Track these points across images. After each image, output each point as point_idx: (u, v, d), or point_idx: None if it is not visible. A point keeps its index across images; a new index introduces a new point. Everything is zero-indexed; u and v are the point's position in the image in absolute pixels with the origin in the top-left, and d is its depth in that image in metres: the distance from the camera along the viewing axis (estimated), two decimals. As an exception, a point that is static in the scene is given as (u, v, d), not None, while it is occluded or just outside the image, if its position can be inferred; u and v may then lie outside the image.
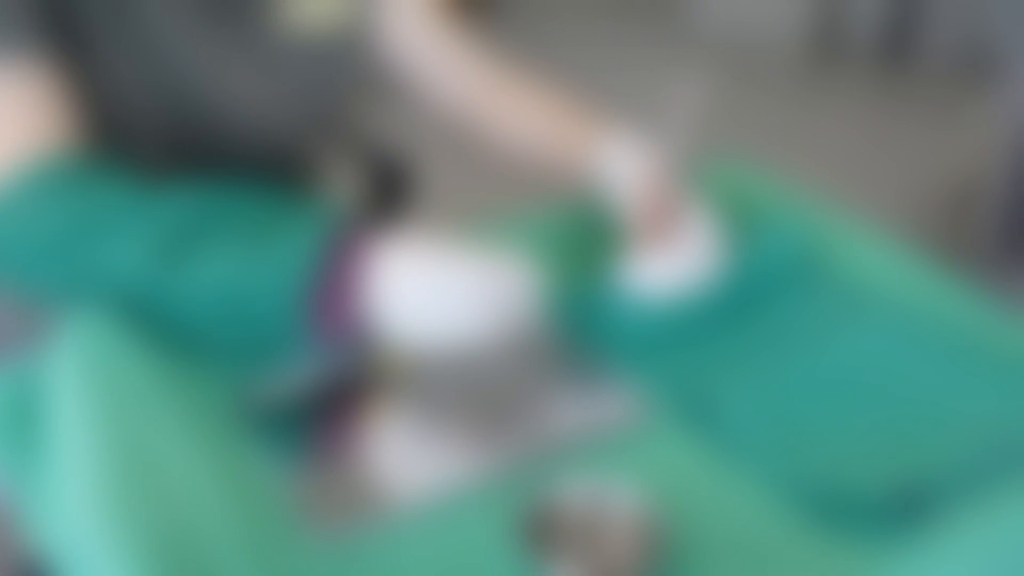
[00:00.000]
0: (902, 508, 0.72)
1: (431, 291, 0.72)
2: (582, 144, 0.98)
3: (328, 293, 0.72)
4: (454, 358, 0.77)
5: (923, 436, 0.78)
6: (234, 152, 0.90)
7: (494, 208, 1.17)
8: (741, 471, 0.76)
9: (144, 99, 0.85)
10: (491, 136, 1.04)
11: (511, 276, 0.74)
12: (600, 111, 1.02)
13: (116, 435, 0.70)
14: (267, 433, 0.75)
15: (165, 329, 0.75)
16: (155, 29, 0.83)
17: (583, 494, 0.69)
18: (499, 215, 1.03)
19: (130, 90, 0.84)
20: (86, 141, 0.81)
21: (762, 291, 0.93)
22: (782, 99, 2.97)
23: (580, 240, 1.00)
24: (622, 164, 0.94)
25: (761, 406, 0.81)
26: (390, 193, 1.26)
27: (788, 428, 0.79)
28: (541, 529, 0.67)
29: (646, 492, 0.71)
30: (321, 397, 0.79)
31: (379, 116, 1.13)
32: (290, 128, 0.95)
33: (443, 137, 1.09)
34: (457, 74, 1.03)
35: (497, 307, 0.73)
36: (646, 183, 0.92)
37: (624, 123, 0.99)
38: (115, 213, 0.74)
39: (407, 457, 0.76)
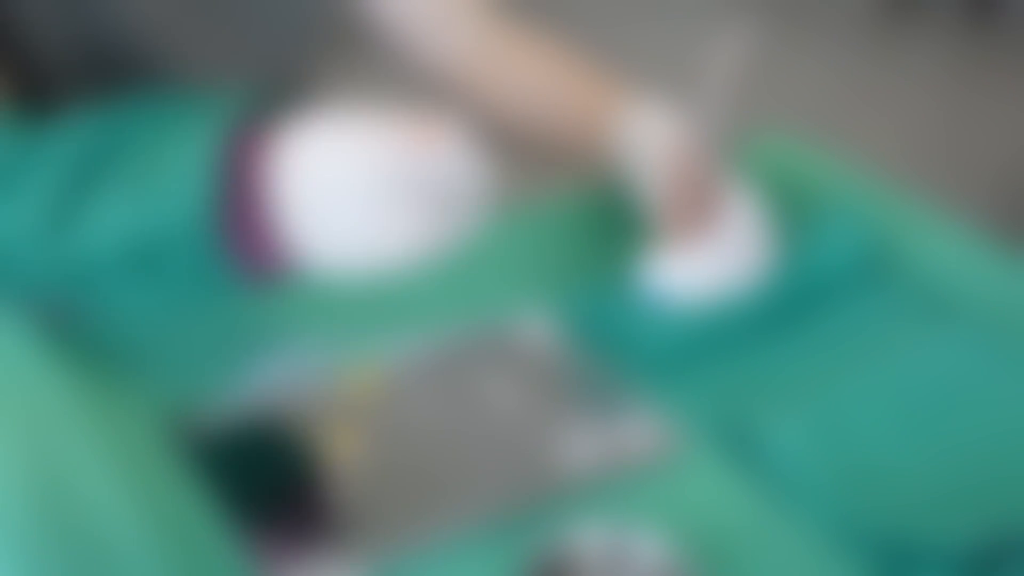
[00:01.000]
0: (987, 565, 0.72)
1: (341, 187, 0.69)
2: (600, 113, 0.98)
3: (236, 210, 0.70)
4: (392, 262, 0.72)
5: (1015, 475, 0.78)
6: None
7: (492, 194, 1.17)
8: (789, 514, 0.76)
9: (67, 48, 0.85)
10: (489, 104, 1.04)
11: (447, 146, 0.70)
12: (623, 73, 1.01)
13: (22, 461, 0.70)
14: (206, 463, 0.75)
15: (55, 302, 0.74)
16: None
17: (601, 539, 0.69)
18: (499, 202, 1.03)
19: (51, 39, 0.84)
20: None
21: (817, 295, 0.93)
22: (845, 61, 2.98)
23: (597, 232, 1.00)
24: (648, 137, 0.94)
25: (814, 435, 0.81)
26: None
27: (847, 463, 0.79)
28: (549, 582, 0.67)
29: (675, 537, 0.71)
30: (271, 423, 0.79)
31: (352, 78, 1.13)
32: (235, 80, 0.95)
33: (430, 106, 1.09)
34: (451, 29, 1.03)
35: (436, 186, 0.69)
36: (677, 161, 0.91)
37: (652, 87, 0.99)
38: (6, 168, 0.73)
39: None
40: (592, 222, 1.01)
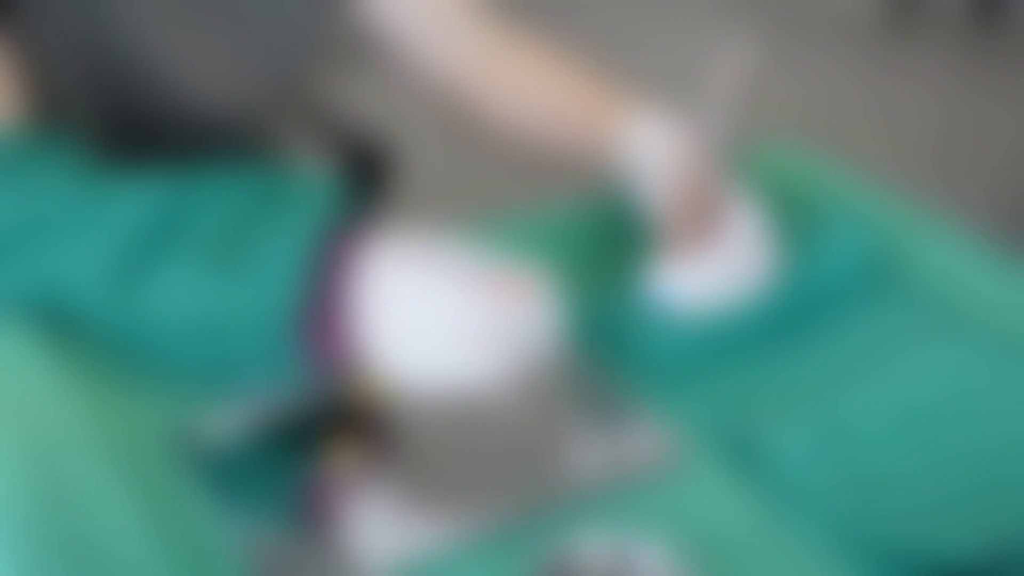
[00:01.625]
0: (991, 574, 0.72)
1: (428, 321, 0.72)
2: (603, 124, 0.98)
3: (318, 310, 0.72)
4: (456, 401, 0.77)
5: (1019, 483, 0.78)
6: (180, 128, 0.91)
7: (494, 204, 1.17)
8: (794, 525, 0.76)
9: (74, 61, 0.86)
10: (493, 115, 1.04)
11: (532, 303, 0.74)
12: (627, 83, 1.02)
13: (24, 464, 0.71)
14: (217, 478, 0.76)
15: (113, 352, 0.76)
16: None
17: (605, 549, 0.69)
18: (500, 212, 1.04)
19: (59, 52, 0.85)
20: (20, 116, 0.82)
21: (821, 303, 0.93)
22: (848, 68, 2.98)
23: (600, 243, 1.00)
24: (651, 148, 0.94)
25: (819, 445, 0.81)
26: (369, 183, 1.26)
27: (853, 473, 0.79)
28: (553, 593, 0.68)
29: (679, 545, 0.72)
30: (285, 436, 0.79)
31: (355, 90, 1.14)
32: (249, 101, 0.95)
33: (434, 117, 1.09)
34: (452, 38, 1.03)
35: (514, 343, 0.73)
36: (681, 172, 0.92)
37: (655, 98, 0.99)
38: (63, 211, 0.74)
39: (392, 515, 0.76)
40: (595, 232, 1.01)
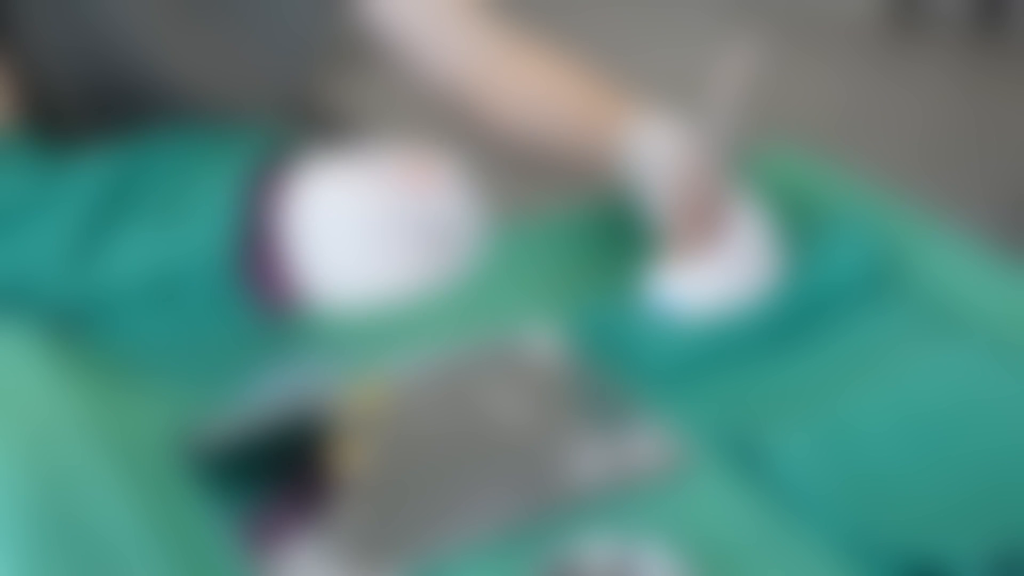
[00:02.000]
0: (997, 578, 0.72)
1: (340, 228, 0.73)
2: (606, 126, 0.99)
3: (254, 246, 0.74)
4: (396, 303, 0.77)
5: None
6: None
7: (495, 206, 1.17)
8: (797, 530, 0.76)
9: (67, 67, 0.86)
10: (495, 117, 1.04)
11: (444, 189, 0.75)
12: (629, 86, 1.02)
13: (24, 464, 0.71)
14: (212, 470, 0.76)
15: (95, 342, 0.76)
16: None
17: (608, 553, 0.70)
18: (502, 215, 1.04)
19: (56, 54, 0.85)
20: (9, 116, 0.83)
21: (824, 308, 0.93)
22: (851, 73, 2.98)
23: (602, 246, 1.00)
24: (654, 151, 0.95)
25: (822, 449, 0.81)
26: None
27: (855, 476, 0.79)
28: (555, 598, 0.68)
29: (682, 550, 0.72)
30: (279, 434, 0.79)
31: (354, 94, 1.14)
32: (250, 102, 0.96)
33: (433, 118, 1.10)
34: (454, 39, 1.04)
35: (431, 231, 0.74)
36: (684, 175, 0.92)
37: (658, 100, 0.99)
38: (27, 201, 0.75)
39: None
40: (598, 235, 1.01)
